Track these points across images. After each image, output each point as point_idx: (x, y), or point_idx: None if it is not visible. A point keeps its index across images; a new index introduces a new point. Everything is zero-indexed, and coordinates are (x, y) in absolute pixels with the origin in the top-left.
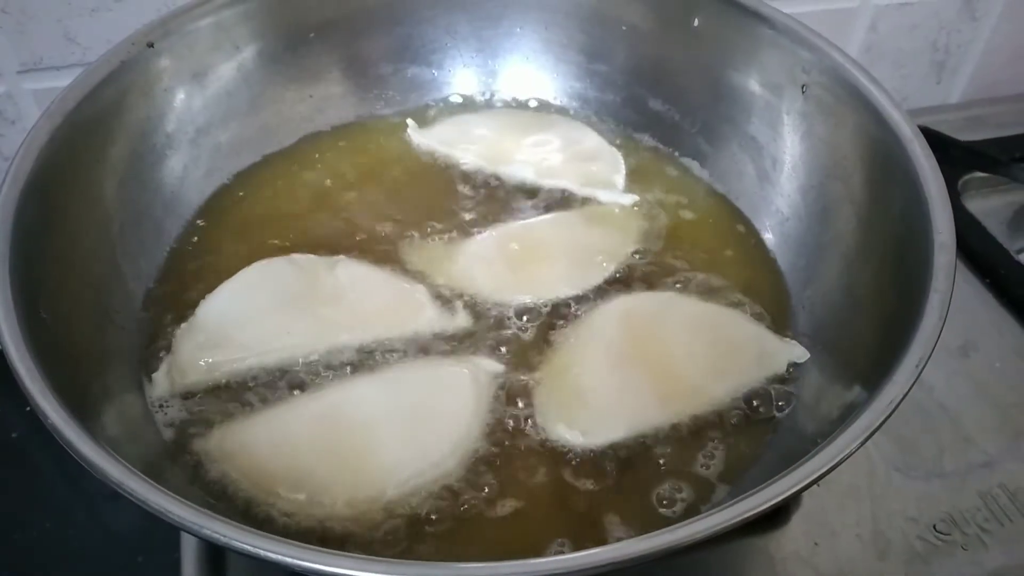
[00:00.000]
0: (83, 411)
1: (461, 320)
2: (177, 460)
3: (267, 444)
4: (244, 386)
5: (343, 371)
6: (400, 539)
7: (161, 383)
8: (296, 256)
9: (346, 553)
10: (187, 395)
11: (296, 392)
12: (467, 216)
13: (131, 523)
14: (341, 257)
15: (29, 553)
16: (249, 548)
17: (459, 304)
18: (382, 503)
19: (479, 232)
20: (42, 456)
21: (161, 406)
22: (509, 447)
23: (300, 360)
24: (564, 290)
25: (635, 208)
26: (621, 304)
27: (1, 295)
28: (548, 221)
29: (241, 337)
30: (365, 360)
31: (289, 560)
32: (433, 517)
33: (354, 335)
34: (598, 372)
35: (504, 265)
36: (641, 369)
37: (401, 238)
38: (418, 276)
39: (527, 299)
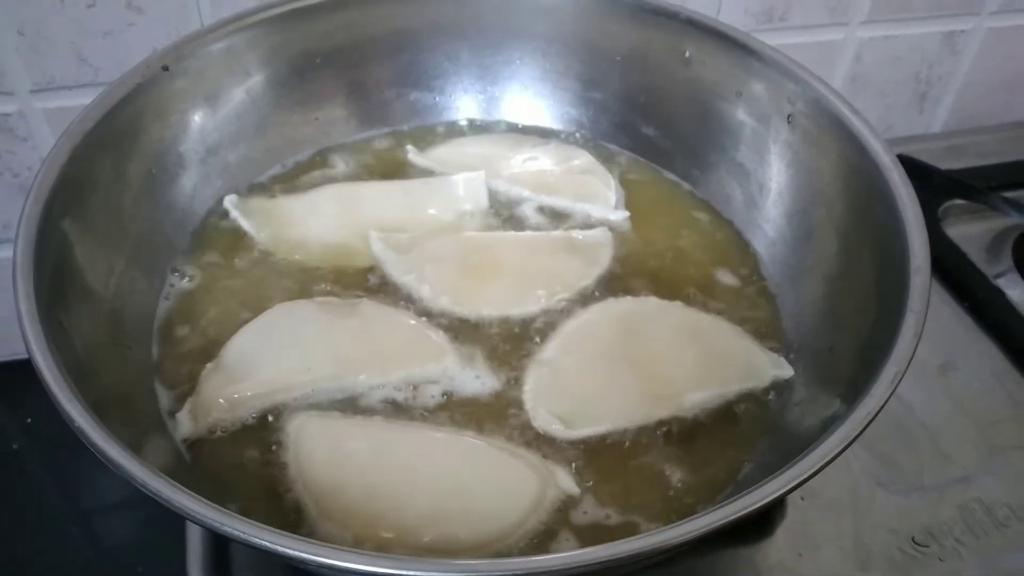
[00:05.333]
0: (101, 418)
1: (480, 369)
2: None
3: (337, 448)
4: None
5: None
6: None
7: (184, 423)
8: (319, 298)
9: (356, 550)
10: (212, 432)
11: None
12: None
13: (131, 533)
14: (363, 299)
15: (29, 563)
16: (268, 545)
17: (478, 352)
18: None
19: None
20: (41, 468)
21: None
22: None
23: (320, 397)
24: (490, 311)
25: (614, 238)
26: (617, 305)
27: (26, 306)
28: (518, 240)
29: (260, 374)
30: (388, 407)
31: (317, 559)
32: None
33: (372, 375)
34: (587, 367)
35: (455, 270)
36: (628, 368)
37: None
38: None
39: (455, 309)
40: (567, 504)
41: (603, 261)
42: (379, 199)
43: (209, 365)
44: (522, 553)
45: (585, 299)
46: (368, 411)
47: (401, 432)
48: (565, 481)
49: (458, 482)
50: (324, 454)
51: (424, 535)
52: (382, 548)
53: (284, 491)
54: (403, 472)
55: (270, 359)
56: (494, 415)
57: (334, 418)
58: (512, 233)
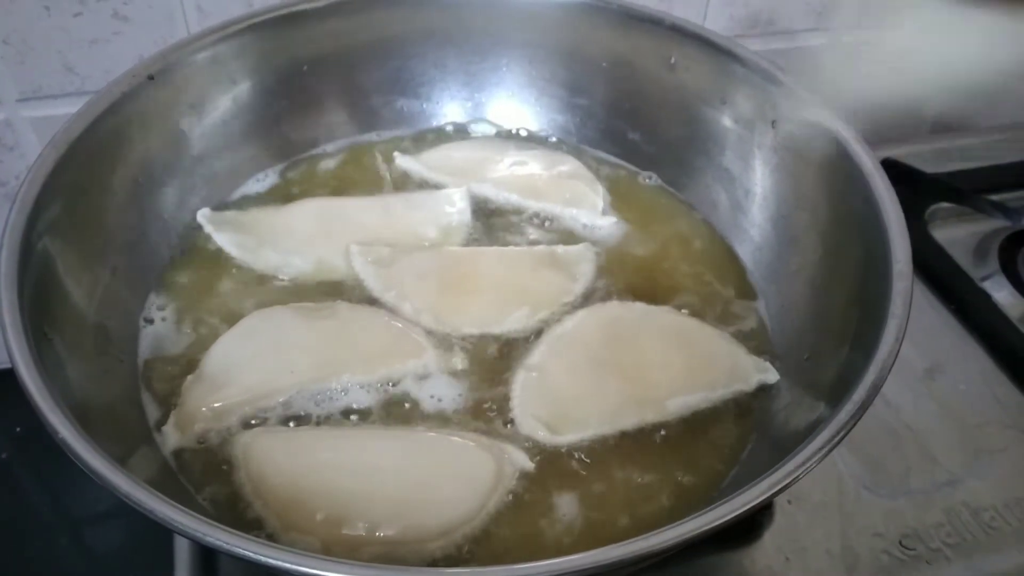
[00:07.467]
0: (87, 429)
1: (458, 362)
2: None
3: (289, 461)
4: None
5: (352, 415)
6: None
7: (171, 435)
8: (295, 304)
9: (340, 560)
10: (200, 442)
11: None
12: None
13: (120, 543)
14: (339, 301)
15: (18, 573)
16: (251, 555)
17: (456, 347)
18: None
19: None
20: (31, 477)
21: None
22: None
23: (305, 399)
24: (471, 329)
25: (600, 243)
26: (604, 310)
27: (9, 316)
28: (500, 255)
29: (244, 380)
30: (374, 405)
31: (301, 568)
32: None
33: (355, 374)
34: (574, 372)
35: (435, 286)
36: (615, 373)
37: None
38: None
39: (436, 327)
40: (549, 504)
41: (585, 277)
42: (360, 213)
43: (190, 376)
44: (490, 533)
45: (567, 315)
46: (349, 414)
47: (352, 436)
48: (518, 457)
49: (417, 473)
50: (278, 468)
51: (391, 529)
52: (352, 547)
53: (243, 508)
54: (361, 472)
55: (251, 365)
56: (474, 416)
57: (280, 431)
58: (494, 248)
